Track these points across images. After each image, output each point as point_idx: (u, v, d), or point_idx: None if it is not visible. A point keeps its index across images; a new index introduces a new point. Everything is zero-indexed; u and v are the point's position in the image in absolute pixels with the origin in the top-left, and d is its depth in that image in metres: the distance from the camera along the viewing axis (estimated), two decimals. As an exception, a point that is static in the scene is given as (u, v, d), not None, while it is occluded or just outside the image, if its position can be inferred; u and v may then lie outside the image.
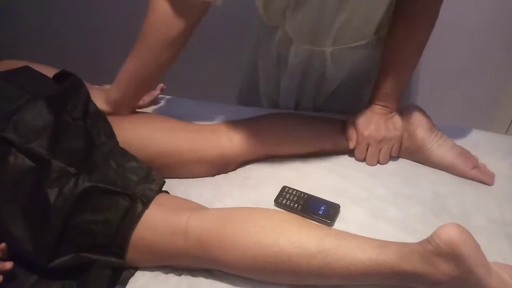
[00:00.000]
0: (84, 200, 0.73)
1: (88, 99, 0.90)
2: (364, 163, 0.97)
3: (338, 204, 0.86)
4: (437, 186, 0.91)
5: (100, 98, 0.95)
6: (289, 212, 0.82)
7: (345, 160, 0.98)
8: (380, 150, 0.95)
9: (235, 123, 0.97)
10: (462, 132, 1.04)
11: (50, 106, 0.81)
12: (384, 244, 0.69)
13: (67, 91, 0.87)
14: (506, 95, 1.59)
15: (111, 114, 0.95)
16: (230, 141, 0.93)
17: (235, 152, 0.94)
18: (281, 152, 0.97)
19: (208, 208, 0.80)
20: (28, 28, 2.01)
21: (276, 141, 0.96)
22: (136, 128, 0.93)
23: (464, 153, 0.95)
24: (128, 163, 0.81)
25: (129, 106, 1.00)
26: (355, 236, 0.72)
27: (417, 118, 0.95)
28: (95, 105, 0.91)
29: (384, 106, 0.95)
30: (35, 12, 1.95)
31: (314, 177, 0.94)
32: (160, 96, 1.18)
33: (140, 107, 1.10)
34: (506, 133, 1.65)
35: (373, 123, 0.94)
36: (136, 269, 0.77)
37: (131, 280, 0.75)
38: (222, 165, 0.95)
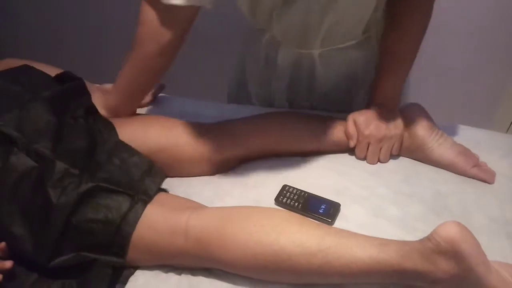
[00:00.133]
0: (86, 200, 0.73)
1: (90, 98, 0.90)
2: (365, 161, 0.97)
3: (339, 203, 0.85)
4: (438, 184, 0.91)
5: (99, 103, 0.96)
6: (289, 211, 0.82)
7: (345, 159, 0.98)
8: (380, 149, 0.95)
9: (234, 122, 0.97)
10: (462, 131, 1.04)
11: (53, 106, 0.82)
12: (384, 242, 0.69)
13: (69, 91, 0.88)
14: (507, 93, 1.59)
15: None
16: (230, 139, 0.94)
17: (234, 150, 0.94)
18: (281, 150, 0.97)
19: (208, 207, 0.80)
20: (28, 28, 2.01)
21: (276, 139, 0.96)
22: (135, 126, 0.94)
23: (465, 152, 0.95)
24: (131, 158, 0.82)
25: (127, 112, 1.01)
26: (355, 234, 0.72)
27: (418, 117, 0.95)
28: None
29: (385, 105, 0.95)
30: (35, 12, 1.95)
31: (315, 176, 0.93)
32: (160, 95, 1.18)
33: (140, 106, 1.11)
34: (507, 131, 1.66)
35: (374, 121, 0.94)
36: (136, 268, 0.77)
37: (131, 279, 0.75)
38: (222, 163, 0.95)
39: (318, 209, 0.84)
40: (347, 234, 0.71)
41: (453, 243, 0.63)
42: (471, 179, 0.93)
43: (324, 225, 0.77)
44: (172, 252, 0.73)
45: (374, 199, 0.88)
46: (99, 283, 0.72)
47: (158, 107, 1.15)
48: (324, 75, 1.04)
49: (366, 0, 0.89)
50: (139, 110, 1.10)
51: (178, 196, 0.83)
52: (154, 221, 0.73)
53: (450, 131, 0.97)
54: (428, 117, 0.97)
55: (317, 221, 0.79)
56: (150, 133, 0.93)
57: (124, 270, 0.76)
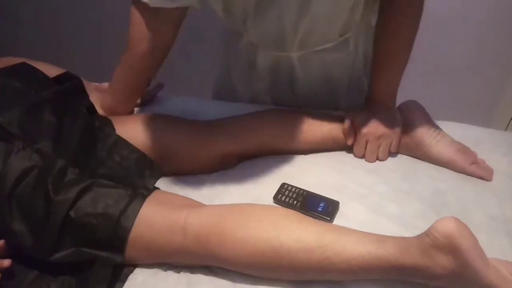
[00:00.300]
0: (85, 195, 0.73)
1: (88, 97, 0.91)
2: (363, 159, 0.97)
3: (338, 201, 0.85)
4: (437, 182, 0.91)
5: (96, 102, 0.98)
6: (288, 208, 0.82)
7: (344, 157, 0.98)
8: (379, 147, 0.95)
9: (233, 119, 0.98)
10: (462, 129, 1.04)
11: (53, 105, 0.82)
12: (383, 238, 0.69)
13: (69, 90, 0.88)
14: (506, 92, 1.59)
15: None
16: (229, 136, 0.94)
17: (233, 148, 0.94)
18: (279, 148, 0.97)
19: (206, 205, 0.80)
20: (28, 27, 2.01)
21: (274, 137, 0.96)
22: (133, 124, 0.94)
23: (463, 149, 0.95)
24: (131, 155, 0.83)
25: (124, 111, 1.02)
26: (354, 231, 0.72)
27: (416, 114, 0.95)
28: None
29: (381, 103, 0.95)
30: (35, 11, 1.95)
31: (313, 174, 0.93)
32: (159, 94, 1.19)
33: (139, 105, 1.11)
34: (506, 129, 1.65)
35: (372, 119, 0.94)
36: (135, 266, 0.77)
37: (130, 277, 0.75)
38: (220, 161, 0.95)
39: (317, 207, 0.84)
40: (346, 230, 0.72)
41: (451, 238, 0.63)
42: (470, 176, 0.93)
43: (323, 222, 0.77)
44: (171, 250, 0.73)
45: (373, 197, 0.88)
46: (98, 282, 0.72)
47: (157, 106, 1.15)
48: (304, 77, 1.05)
49: (339, 6, 0.90)
50: (138, 109, 1.10)
51: (176, 194, 0.83)
52: (153, 219, 0.73)
53: (449, 129, 0.97)
54: (426, 115, 0.97)
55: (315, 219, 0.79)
56: (148, 131, 0.93)
57: (123, 269, 0.76)
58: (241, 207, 0.77)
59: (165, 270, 0.76)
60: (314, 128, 0.97)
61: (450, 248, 0.63)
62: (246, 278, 0.73)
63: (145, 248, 0.74)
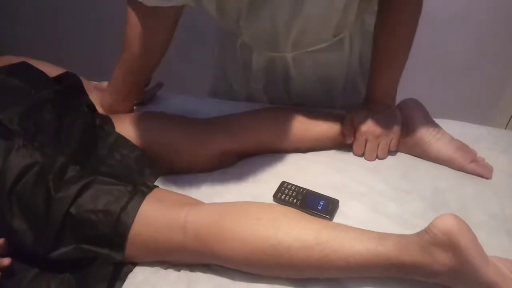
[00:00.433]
0: (86, 192, 0.73)
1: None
2: (363, 158, 0.97)
3: (337, 199, 0.85)
4: (437, 181, 0.91)
5: (96, 101, 0.98)
6: (287, 206, 0.82)
7: (344, 155, 0.98)
8: (378, 145, 0.95)
9: (231, 117, 0.98)
10: (462, 127, 1.04)
11: (54, 104, 0.82)
12: (382, 235, 0.69)
13: (70, 88, 0.89)
14: (506, 90, 1.59)
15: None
16: (227, 134, 0.94)
17: (232, 146, 0.95)
18: (277, 146, 0.97)
19: (206, 203, 0.80)
20: (28, 27, 2.01)
21: (273, 135, 0.96)
22: (133, 122, 0.94)
23: (463, 147, 0.95)
24: (131, 153, 0.83)
25: (123, 110, 1.03)
26: (353, 228, 0.72)
27: (415, 112, 0.95)
28: None
29: (381, 101, 0.95)
30: (35, 11, 1.96)
31: (313, 172, 0.93)
32: (158, 93, 1.19)
33: (138, 104, 1.11)
34: (506, 127, 1.65)
35: (371, 118, 0.94)
36: (135, 264, 0.77)
37: (130, 275, 0.75)
38: (220, 158, 0.95)
39: (317, 205, 0.84)
40: (345, 228, 0.72)
41: (450, 235, 0.63)
42: (470, 175, 0.93)
43: (322, 220, 0.77)
44: (171, 248, 0.73)
45: (373, 196, 0.88)
46: (98, 280, 0.72)
47: (156, 105, 1.15)
48: (299, 77, 1.05)
49: (332, 6, 0.90)
50: (138, 108, 1.10)
51: (176, 193, 0.83)
52: (153, 217, 0.74)
53: (449, 127, 0.97)
54: (426, 113, 0.97)
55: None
56: (147, 129, 0.93)
57: (123, 267, 0.76)
58: (240, 205, 0.77)
59: (165, 268, 0.76)
60: (313, 126, 0.97)
61: (449, 245, 0.63)
62: (245, 276, 0.73)
63: (145, 245, 0.74)
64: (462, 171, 0.93)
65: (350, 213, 0.84)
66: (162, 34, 0.92)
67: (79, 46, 1.96)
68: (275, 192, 0.87)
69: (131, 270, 0.76)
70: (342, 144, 0.97)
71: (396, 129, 0.94)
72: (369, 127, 0.93)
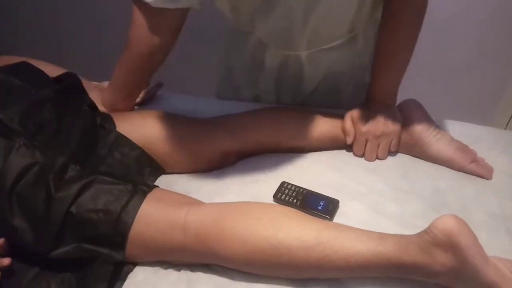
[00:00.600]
0: (86, 191, 0.73)
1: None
2: (363, 158, 0.97)
3: (337, 200, 0.85)
4: (437, 181, 0.91)
5: (97, 100, 0.98)
6: (288, 206, 0.82)
7: (344, 156, 0.98)
8: (378, 145, 0.95)
9: (231, 117, 0.98)
10: (461, 127, 1.04)
11: (54, 103, 0.82)
12: (382, 236, 0.69)
13: (70, 88, 0.88)
14: (506, 90, 1.59)
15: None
16: (227, 134, 0.94)
17: (232, 145, 0.94)
18: (278, 146, 0.97)
19: (206, 203, 0.80)
20: (28, 27, 2.01)
21: (274, 135, 0.96)
22: (133, 121, 0.95)
23: (463, 147, 0.95)
24: (131, 152, 0.83)
25: (124, 108, 1.03)
26: (353, 228, 0.72)
27: (415, 113, 0.95)
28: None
29: (382, 101, 0.95)
30: (35, 11, 1.95)
31: (313, 172, 0.93)
32: (158, 93, 1.19)
33: (138, 104, 1.11)
34: (506, 128, 1.65)
35: (371, 118, 0.94)
36: (135, 264, 0.77)
37: (131, 275, 0.75)
38: (220, 158, 0.95)
39: (317, 205, 0.84)
40: (345, 228, 0.72)
41: (450, 236, 0.63)
42: (470, 175, 0.93)
43: (323, 220, 0.77)
44: (171, 247, 0.73)
45: (373, 196, 0.88)
46: (99, 280, 0.72)
47: (157, 104, 1.16)
48: (312, 75, 1.05)
49: (346, 4, 0.89)
50: (138, 108, 1.10)
51: (176, 192, 0.83)
52: (153, 216, 0.73)
53: (449, 127, 0.97)
54: (425, 113, 0.97)
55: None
56: (148, 127, 0.93)
57: (123, 267, 0.76)
58: (240, 205, 0.77)
59: (166, 268, 0.76)
60: (313, 126, 0.97)
61: (449, 245, 0.63)
62: (245, 276, 0.73)
63: (145, 245, 0.74)
64: (462, 172, 0.93)
65: (350, 213, 0.84)
66: (166, 35, 0.92)
67: (79, 46, 1.96)
68: (275, 192, 0.87)
69: (131, 270, 0.76)
70: (343, 144, 0.97)
71: (396, 129, 0.95)
72: (369, 127, 0.93)
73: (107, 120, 0.92)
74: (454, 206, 0.86)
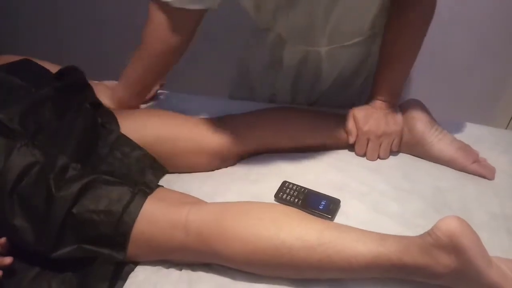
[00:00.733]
0: (87, 191, 0.73)
1: (92, 91, 0.90)
2: (365, 158, 0.97)
3: (339, 199, 0.85)
4: (438, 181, 0.91)
5: (105, 95, 0.98)
6: (289, 206, 0.82)
7: (345, 155, 0.98)
8: (380, 145, 0.95)
9: (234, 116, 0.98)
10: (462, 127, 1.04)
11: (55, 99, 0.82)
12: (384, 237, 0.69)
13: (73, 85, 0.88)
14: (507, 89, 1.59)
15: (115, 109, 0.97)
16: (229, 133, 0.93)
17: (234, 145, 0.94)
18: (280, 146, 0.97)
19: (208, 202, 0.80)
20: (28, 27, 2.01)
21: (275, 135, 0.96)
22: (136, 119, 0.94)
23: (465, 147, 0.95)
24: (132, 152, 0.82)
25: (133, 104, 1.03)
26: (355, 229, 0.72)
27: (417, 112, 0.95)
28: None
29: (384, 101, 0.95)
30: (35, 11, 1.95)
31: (314, 172, 0.93)
32: (160, 91, 1.19)
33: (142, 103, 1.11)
34: (506, 127, 1.65)
35: (373, 118, 0.94)
36: (136, 264, 0.77)
37: (132, 274, 0.75)
38: (223, 158, 0.95)
39: (318, 205, 0.84)
40: (347, 228, 0.72)
41: (453, 238, 0.63)
42: (471, 175, 0.93)
43: (324, 220, 0.77)
44: (172, 246, 0.73)
45: (374, 195, 0.88)
46: (100, 279, 0.72)
47: (158, 103, 1.15)
48: (331, 72, 1.04)
49: (368, 0, 0.89)
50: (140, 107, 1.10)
51: (177, 192, 0.83)
52: (154, 215, 0.73)
53: (450, 127, 0.97)
54: (428, 113, 0.97)
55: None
56: (150, 126, 0.93)
57: (124, 266, 0.76)
58: (242, 205, 0.77)
59: (167, 268, 0.76)
60: (315, 126, 0.97)
61: (452, 247, 0.63)
62: (246, 276, 0.73)
63: (147, 244, 0.74)
64: (464, 172, 0.93)
65: (351, 213, 0.84)
66: (183, 35, 0.92)
67: (79, 46, 1.95)
68: (276, 192, 0.87)
69: (132, 270, 0.76)
70: (344, 143, 0.97)
71: (398, 129, 0.95)
72: (371, 127, 0.93)
73: (110, 119, 0.91)
74: (455, 206, 0.86)
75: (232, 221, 0.71)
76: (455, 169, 0.94)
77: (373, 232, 0.71)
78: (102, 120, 0.90)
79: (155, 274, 0.75)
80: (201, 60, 1.56)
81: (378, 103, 0.95)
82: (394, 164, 0.96)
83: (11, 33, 2.03)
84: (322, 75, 1.05)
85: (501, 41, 1.48)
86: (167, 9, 0.87)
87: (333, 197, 0.86)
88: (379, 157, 0.97)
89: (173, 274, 0.75)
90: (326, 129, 0.97)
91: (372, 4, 0.90)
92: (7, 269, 0.72)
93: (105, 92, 0.99)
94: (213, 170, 0.96)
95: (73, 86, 0.89)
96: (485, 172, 0.92)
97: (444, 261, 0.64)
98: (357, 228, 0.72)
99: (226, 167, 0.96)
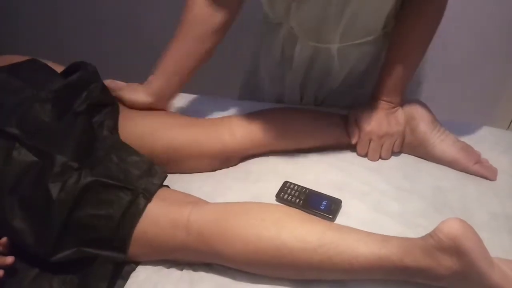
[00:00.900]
0: (86, 195, 0.73)
1: (96, 92, 0.90)
2: (366, 158, 0.97)
3: (340, 199, 0.85)
4: (439, 181, 0.91)
5: (140, 90, 0.96)
6: (290, 207, 0.82)
7: (346, 155, 0.98)
8: (382, 145, 0.95)
9: (237, 117, 0.97)
10: (464, 127, 1.04)
11: (55, 101, 0.82)
12: (386, 238, 0.69)
13: (74, 85, 0.88)
14: (508, 90, 1.60)
15: (151, 107, 0.96)
16: (232, 135, 0.93)
17: (236, 147, 0.94)
18: (282, 147, 0.97)
19: (209, 202, 0.80)
20: (28, 27, 2.01)
21: (277, 136, 0.95)
22: (138, 126, 0.93)
23: (467, 148, 0.94)
24: (129, 157, 0.81)
25: (170, 97, 1.00)
26: (357, 230, 0.71)
27: (420, 113, 0.95)
28: (104, 97, 0.92)
29: (387, 101, 0.95)
30: (35, 11, 1.95)
31: (316, 172, 0.93)
32: None
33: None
34: (508, 128, 1.66)
35: (375, 118, 0.94)
36: (137, 263, 0.77)
37: (133, 274, 0.75)
38: (224, 160, 0.95)
39: (319, 205, 0.84)
40: (348, 230, 0.71)
41: (455, 240, 0.63)
42: (472, 175, 0.93)
43: (325, 221, 0.77)
44: (174, 246, 0.73)
45: (376, 195, 0.88)
46: (100, 279, 0.72)
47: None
48: (340, 70, 1.03)
49: None
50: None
51: (179, 191, 0.82)
52: (156, 215, 0.73)
53: (451, 127, 0.97)
54: (430, 113, 0.96)
55: (318, 217, 0.79)
56: (151, 127, 0.92)
57: (125, 266, 0.76)
58: (243, 205, 0.77)
59: (168, 267, 0.76)
60: (318, 127, 0.97)
61: (454, 249, 0.63)
62: (247, 276, 0.73)
63: (148, 244, 0.74)
64: (466, 173, 0.93)
65: (352, 213, 0.84)
66: (226, 15, 0.91)
67: (79, 46, 1.95)
68: (277, 192, 0.87)
69: (133, 269, 0.76)
70: (346, 144, 0.97)
71: (400, 130, 0.94)
72: (373, 127, 0.93)
73: (110, 120, 0.90)
74: (455, 206, 0.86)
75: (233, 221, 0.71)
76: (457, 170, 0.94)
77: (375, 233, 0.71)
78: (101, 122, 0.89)
79: (156, 273, 0.75)
80: (211, 60, 1.56)
81: (380, 103, 0.95)
82: (395, 164, 0.96)
83: (11, 33, 2.03)
84: (331, 73, 1.04)
85: (503, 41, 1.48)
86: None
87: (334, 197, 0.86)
88: (380, 158, 0.97)
89: (174, 273, 0.75)
90: (328, 129, 0.97)
91: (385, 2, 0.89)
92: (8, 268, 0.71)
93: (137, 88, 0.97)
94: (214, 171, 0.95)
95: (75, 86, 0.88)
96: (487, 173, 0.92)
97: (446, 263, 0.64)
98: (359, 230, 0.72)
99: (228, 167, 0.96)
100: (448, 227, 0.64)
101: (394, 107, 0.95)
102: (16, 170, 0.73)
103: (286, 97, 1.14)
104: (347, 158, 0.97)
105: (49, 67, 0.94)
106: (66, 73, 0.95)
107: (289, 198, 0.86)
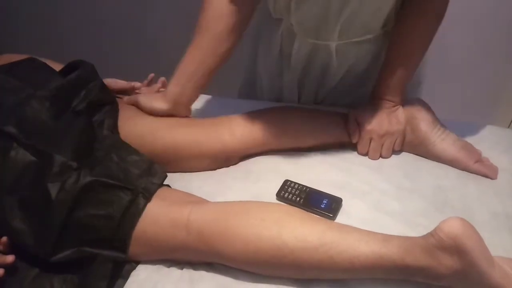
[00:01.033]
0: (86, 195, 0.73)
1: (95, 90, 0.89)
2: (367, 157, 0.97)
3: (340, 198, 0.85)
4: (440, 180, 0.91)
5: (158, 97, 0.96)
6: (291, 206, 0.82)
7: (347, 154, 0.98)
8: (382, 144, 0.95)
9: (236, 117, 0.97)
10: (464, 126, 1.04)
11: (53, 100, 0.82)
12: (387, 237, 0.69)
13: (72, 84, 0.88)
14: (508, 89, 1.60)
15: (170, 114, 0.96)
16: (232, 134, 0.93)
17: (236, 146, 0.94)
18: (283, 146, 0.97)
19: (209, 201, 0.80)
20: (28, 27, 2.01)
21: (278, 135, 0.95)
22: (138, 126, 0.93)
23: (467, 147, 0.94)
24: (129, 157, 0.81)
25: (189, 103, 0.99)
26: (357, 229, 0.71)
27: (420, 112, 0.95)
28: (103, 95, 0.91)
29: (388, 100, 0.95)
30: (35, 10, 1.95)
31: (316, 171, 0.93)
32: (162, 90, 1.18)
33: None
34: (508, 127, 1.66)
35: (376, 117, 0.94)
36: (138, 262, 0.77)
37: (133, 273, 0.75)
38: (224, 159, 0.95)
39: (320, 204, 0.84)
40: (349, 229, 0.71)
41: (456, 239, 0.63)
42: (473, 174, 0.93)
43: (326, 220, 0.77)
44: (174, 246, 0.73)
45: (376, 194, 0.88)
46: (100, 278, 0.72)
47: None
48: (338, 68, 1.03)
49: None
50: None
51: (179, 191, 0.82)
52: (156, 215, 0.73)
53: (451, 126, 0.97)
54: (431, 112, 0.96)
55: (318, 216, 0.79)
56: (151, 127, 0.92)
57: (125, 265, 0.76)
58: (244, 204, 0.77)
59: (168, 267, 0.76)
60: (318, 126, 0.97)
61: (455, 248, 0.63)
62: (248, 276, 0.73)
63: (148, 244, 0.74)
64: (467, 171, 0.93)
65: (352, 212, 0.84)
66: (244, 13, 0.91)
67: (79, 46, 1.95)
68: (278, 191, 0.87)
69: (134, 268, 0.76)
70: (346, 143, 0.97)
71: (401, 128, 0.94)
72: (373, 126, 0.93)
73: (110, 120, 0.90)
74: (456, 205, 0.86)
75: (234, 221, 0.71)
76: (457, 168, 0.94)
77: (375, 232, 0.71)
78: (101, 121, 0.89)
79: (157, 273, 0.75)
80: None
81: (381, 102, 0.95)
82: (396, 163, 0.96)
83: (11, 33, 2.03)
84: (330, 71, 1.04)
85: (503, 41, 1.49)
86: None
87: (335, 196, 0.86)
88: (381, 156, 0.97)
89: (175, 273, 0.75)
90: (328, 128, 0.97)
91: (386, 2, 0.89)
92: (9, 267, 0.71)
93: (155, 96, 0.96)
94: (214, 170, 0.95)
95: (75, 85, 0.88)
96: (487, 172, 0.92)
97: (447, 262, 0.64)
98: (360, 229, 0.72)
99: (228, 166, 0.96)
100: (449, 226, 0.64)
101: (394, 106, 0.95)
102: (15, 170, 0.73)
103: (285, 96, 1.14)
104: (348, 157, 0.97)
105: (48, 66, 0.94)
106: (64, 72, 0.94)
107: (290, 196, 0.86)
